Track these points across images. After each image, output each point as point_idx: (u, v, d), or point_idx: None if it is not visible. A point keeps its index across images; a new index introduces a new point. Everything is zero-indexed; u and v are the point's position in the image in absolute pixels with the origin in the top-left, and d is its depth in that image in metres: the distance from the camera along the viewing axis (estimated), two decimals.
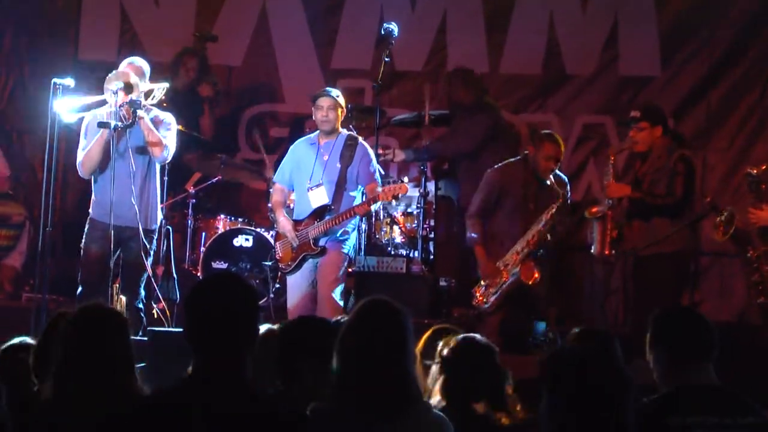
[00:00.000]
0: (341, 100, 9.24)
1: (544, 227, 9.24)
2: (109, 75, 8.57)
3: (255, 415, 3.88)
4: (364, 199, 9.09)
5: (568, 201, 9.60)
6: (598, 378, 3.76)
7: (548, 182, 9.37)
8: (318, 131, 9.38)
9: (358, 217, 9.27)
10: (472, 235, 9.50)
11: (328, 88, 9.36)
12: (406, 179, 9.23)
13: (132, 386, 4.43)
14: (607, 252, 9.19)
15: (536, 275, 9.24)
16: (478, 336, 5.16)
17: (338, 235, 9.09)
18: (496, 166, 9.65)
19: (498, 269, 9.30)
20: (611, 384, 3.77)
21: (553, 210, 9.21)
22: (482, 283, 9.38)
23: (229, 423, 3.81)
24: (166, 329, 8.86)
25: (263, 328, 4.61)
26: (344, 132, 9.36)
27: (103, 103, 8.58)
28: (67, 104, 8.64)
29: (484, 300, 9.32)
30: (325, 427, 4.13)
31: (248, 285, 4.11)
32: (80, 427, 4.18)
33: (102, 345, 4.45)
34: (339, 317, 5.56)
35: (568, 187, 9.61)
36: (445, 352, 4.98)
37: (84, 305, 4.78)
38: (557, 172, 9.44)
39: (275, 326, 5.25)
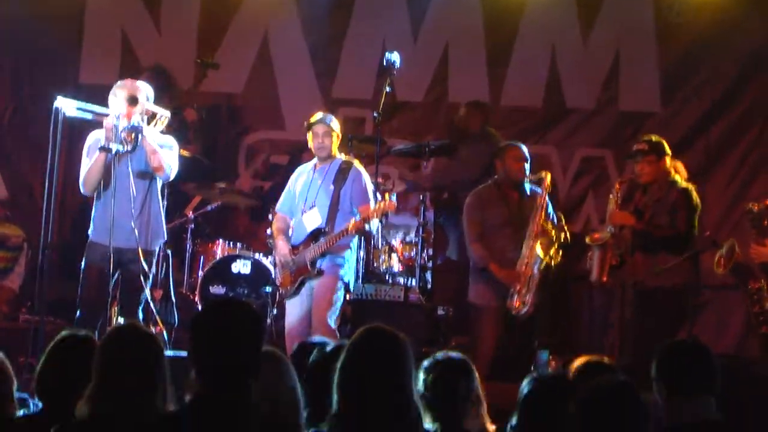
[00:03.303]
0: (336, 126, 9.28)
1: (540, 214, 9.31)
2: (116, 83, 8.60)
3: None
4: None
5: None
6: (627, 414, 3.81)
7: (527, 191, 9.49)
8: (316, 158, 9.42)
9: (355, 243, 9.30)
10: (480, 256, 9.48)
11: (321, 115, 9.37)
12: (394, 196, 9.25)
13: (163, 406, 4.40)
14: (604, 279, 9.25)
15: (555, 251, 9.32)
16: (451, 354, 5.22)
17: (336, 258, 9.10)
18: (470, 193, 9.68)
19: (518, 272, 9.28)
20: (637, 419, 3.82)
21: (543, 194, 9.38)
22: (511, 292, 9.30)
23: None
24: (165, 353, 8.81)
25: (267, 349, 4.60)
26: (340, 157, 9.38)
27: (107, 114, 8.56)
28: (71, 102, 8.66)
29: (522, 304, 9.26)
30: None
31: (253, 310, 4.17)
32: None
33: (140, 364, 4.42)
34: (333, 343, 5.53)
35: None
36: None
37: (120, 326, 4.80)
38: (534, 187, 9.51)
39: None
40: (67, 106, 8.62)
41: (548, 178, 9.49)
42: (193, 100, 12.07)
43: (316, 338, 6.16)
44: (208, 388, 3.94)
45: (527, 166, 9.47)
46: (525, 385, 4.38)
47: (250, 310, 4.15)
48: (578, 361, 5.32)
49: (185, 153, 10.18)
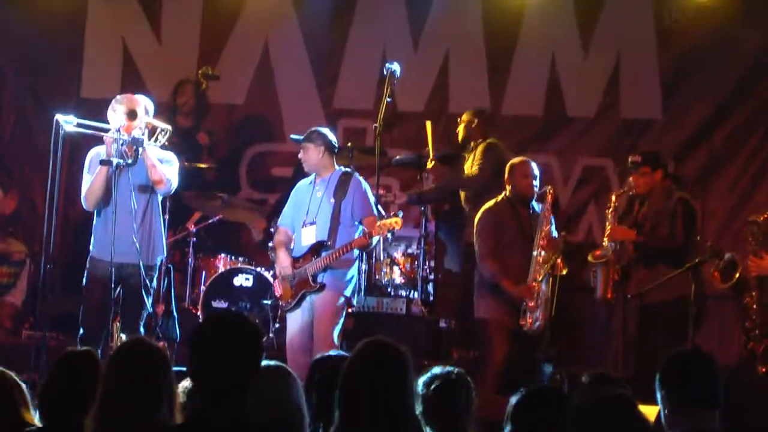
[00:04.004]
0: (315, 141, 9.20)
1: (547, 227, 9.29)
2: (116, 97, 8.61)
3: None
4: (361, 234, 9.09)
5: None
6: (623, 429, 3.82)
7: (536, 206, 9.48)
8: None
9: (357, 256, 9.27)
10: (493, 273, 9.43)
11: (304, 134, 9.34)
12: (401, 213, 9.21)
13: (170, 419, 4.39)
14: (609, 295, 9.28)
15: (561, 265, 9.26)
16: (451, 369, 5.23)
17: (338, 273, 9.07)
18: (483, 208, 9.65)
19: (530, 286, 9.26)
20: None
21: (548, 206, 9.34)
22: (523, 308, 9.29)
23: None
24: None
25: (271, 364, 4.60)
26: (339, 168, 9.36)
27: (107, 130, 8.57)
28: (71, 119, 8.68)
29: (533, 321, 9.25)
30: None
31: (252, 324, 4.17)
32: None
33: (149, 379, 4.40)
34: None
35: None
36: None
37: (128, 341, 4.80)
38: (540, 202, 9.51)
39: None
40: (67, 123, 8.63)
41: (551, 192, 9.48)
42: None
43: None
44: (204, 401, 3.94)
45: (536, 182, 9.47)
46: (513, 397, 4.38)
47: (247, 323, 4.16)
48: (583, 378, 5.33)
49: (187, 164, 10.25)
